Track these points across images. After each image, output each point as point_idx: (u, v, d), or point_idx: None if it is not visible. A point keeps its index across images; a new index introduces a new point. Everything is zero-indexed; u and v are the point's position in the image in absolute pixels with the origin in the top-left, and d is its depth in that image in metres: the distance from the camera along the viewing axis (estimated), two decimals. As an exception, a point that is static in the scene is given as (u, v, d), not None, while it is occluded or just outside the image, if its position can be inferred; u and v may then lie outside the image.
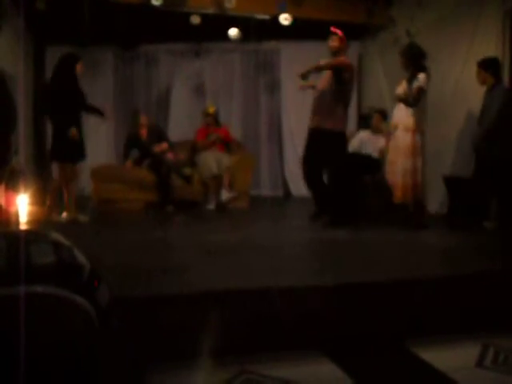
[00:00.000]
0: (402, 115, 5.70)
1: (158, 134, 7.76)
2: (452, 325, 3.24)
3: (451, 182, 6.42)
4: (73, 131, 5.72)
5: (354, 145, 7.17)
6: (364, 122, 8.24)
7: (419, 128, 5.64)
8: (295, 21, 7.61)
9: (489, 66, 5.96)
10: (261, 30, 7.99)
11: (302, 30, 8.09)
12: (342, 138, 6.02)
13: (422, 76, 5.59)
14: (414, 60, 5.68)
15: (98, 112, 6.22)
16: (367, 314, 3.15)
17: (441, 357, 2.88)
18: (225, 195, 7.22)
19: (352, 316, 3.13)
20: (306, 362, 2.82)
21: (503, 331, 3.21)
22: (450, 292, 3.36)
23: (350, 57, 9.05)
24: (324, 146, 5.82)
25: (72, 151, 5.89)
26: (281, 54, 9.31)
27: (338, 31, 6.24)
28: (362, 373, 2.71)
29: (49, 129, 6.48)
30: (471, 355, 2.91)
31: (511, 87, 6.12)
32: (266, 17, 7.75)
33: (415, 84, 5.58)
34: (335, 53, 6.14)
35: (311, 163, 5.96)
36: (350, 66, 6.03)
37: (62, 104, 5.81)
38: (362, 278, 3.44)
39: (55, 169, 6.67)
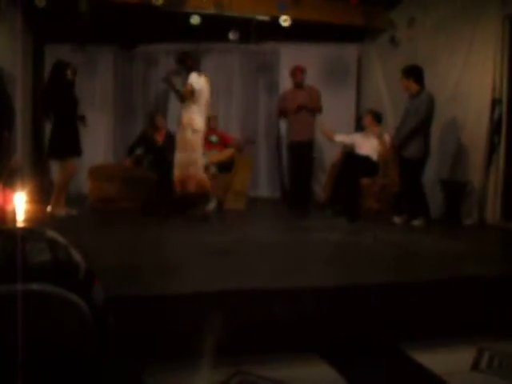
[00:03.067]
0: (182, 112, 6.12)
1: (172, 139, 7.68)
2: (447, 328, 3.24)
3: (447, 186, 6.44)
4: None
5: (345, 140, 7.23)
6: (359, 124, 8.28)
7: (194, 125, 6.03)
8: (294, 22, 7.61)
9: (411, 74, 6.17)
10: (260, 31, 8.00)
11: (301, 32, 8.09)
12: None
13: (192, 76, 6.02)
14: (184, 61, 6.23)
15: (82, 120, 6.45)
16: (363, 316, 3.15)
17: (436, 360, 2.88)
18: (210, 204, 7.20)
19: (348, 318, 3.13)
20: (301, 363, 2.82)
21: (498, 335, 3.21)
22: (445, 295, 3.36)
23: (349, 58, 9.15)
24: None
25: (68, 147, 6.20)
26: (280, 56, 9.29)
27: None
28: (356, 375, 2.71)
29: (47, 128, 6.52)
30: (466, 359, 2.91)
31: (511, 92, 6.15)
32: (266, 18, 7.75)
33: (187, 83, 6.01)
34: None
35: None
36: None
37: (57, 108, 6.19)
38: (358, 279, 3.44)
39: (54, 167, 6.80)
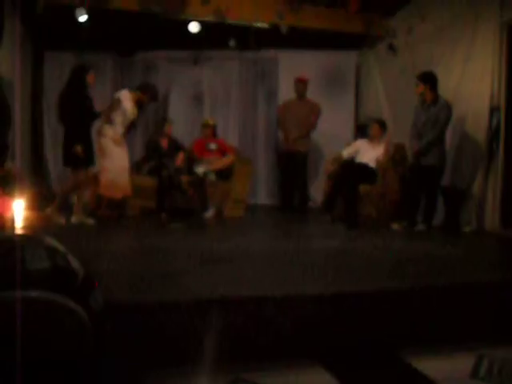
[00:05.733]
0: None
1: (176, 144, 7.71)
2: (447, 335, 3.24)
3: (447, 193, 6.44)
4: (77, 148, 5.96)
5: (349, 151, 7.22)
6: (362, 131, 8.27)
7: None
8: (293, 30, 7.64)
9: (428, 81, 6.21)
10: (259, 39, 8.03)
11: (299, 39, 8.12)
12: None
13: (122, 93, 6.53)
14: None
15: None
16: (362, 323, 3.15)
17: (435, 367, 2.88)
18: (208, 213, 7.23)
19: (346, 325, 3.13)
20: (301, 370, 2.81)
21: (498, 342, 3.21)
22: (444, 302, 3.36)
23: (348, 66, 9.17)
24: None
25: (82, 157, 6.08)
26: (279, 63, 9.31)
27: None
28: (355, 382, 2.70)
29: (46, 134, 6.50)
30: (466, 366, 2.91)
31: (510, 99, 6.15)
32: (265, 25, 7.78)
33: None
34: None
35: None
36: None
37: (73, 113, 6.05)
38: (358, 286, 3.44)
39: (53, 172, 6.78)
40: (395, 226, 6.31)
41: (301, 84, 7.74)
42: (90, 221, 6.20)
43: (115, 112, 6.44)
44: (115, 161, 6.40)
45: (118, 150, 6.45)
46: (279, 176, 8.48)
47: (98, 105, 8.56)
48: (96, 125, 6.52)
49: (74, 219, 6.18)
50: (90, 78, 6.18)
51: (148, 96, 6.77)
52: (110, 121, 6.44)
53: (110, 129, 6.41)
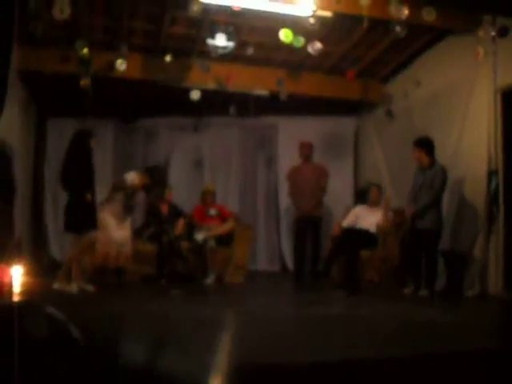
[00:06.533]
0: None
1: (175, 210, 7.72)
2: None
3: (448, 257, 6.41)
4: (87, 196, 5.93)
5: (348, 221, 7.21)
6: (361, 196, 8.30)
7: None
8: (293, 97, 7.78)
9: (423, 146, 6.30)
10: (259, 106, 8.17)
11: (299, 106, 8.27)
12: None
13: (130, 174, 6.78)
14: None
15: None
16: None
17: None
18: (209, 278, 7.18)
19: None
20: None
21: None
22: (448, 369, 3.29)
23: (347, 131, 9.31)
24: None
25: (86, 220, 5.99)
26: (278, 129, 9.43)
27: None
28: None
29: (48, 200, 6.50)
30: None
31: (507, 162, 6.21)
32: (265, 93, 7.93)
33: None
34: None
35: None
36: None
37: (76, 179, 5.98)
38: (359, 354, 3.37)
39: (53, 239, 6.73)
40: (407, 291, 6.27)
41: (306, 147, 7.79)
42: (90, 287, 6.05)
43: (118, 192, 6.67)
44: (111, 233, 6.53)
45: (115, 224, 6.58)
46: (294, 242, 8.36)
47: (98, 171, 8.68)
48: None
49: (73, 287, 5.95)
50: (93, 143, 6.18)
51: (155, 180, 7.07)
52: (111, 198, 6.67)
53: (109, 205, 6.59)
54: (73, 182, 6.02)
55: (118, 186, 6.76)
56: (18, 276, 4.90)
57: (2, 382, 1.47)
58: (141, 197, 7.40)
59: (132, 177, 6.77)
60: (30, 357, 1.48)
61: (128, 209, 6.74)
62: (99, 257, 6.49)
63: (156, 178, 7.16)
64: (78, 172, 5.99)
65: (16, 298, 4.61)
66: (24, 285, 4.94)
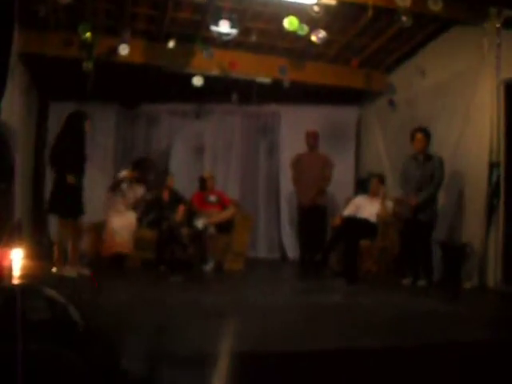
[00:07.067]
0: None
1: (176, 196, 7.73)
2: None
3: (446, 248, 6.42)
4: (70, 178, 5.81)
5: (350, 209, 7.21)
6: (362, 186, 8.30)
7: None
8: (295, 84, 7.76)
9: (428, 134, 6.37)
10: (261, 93, 8.14)
11: (301, 94, 8.24)
12: None
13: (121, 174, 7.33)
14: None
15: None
16: (360, 380, 3.08)
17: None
18: (209, 265, 7.19)
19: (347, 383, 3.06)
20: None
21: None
22: (445, 359, 3.30)
23: (349, 120, 9.29)
24: None
25: (71, 206, 5.94)
26: (280, 117, 9.42)
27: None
28: None
29: (48, 181, 6.47)
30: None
31: (509, 154, 6.20)
32: (267, 80, 7.91)
33: None
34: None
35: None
36: None
37: (65, 161, 5.90)
38: (357, 342, 3.38)
39: (53, 222, 6.76)
40: (405, 282, 6.29)
41: (312, 137, 7.83)
42: (86, 271, 6.02)
43: (117, 187, 7.19)
44: (114, 223, 6.99)
45: (117, 215, 7.08)
46: (297, 230, 8.40)
47: (100, 156, 8.68)
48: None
49: (71, 271, 5.93)
50: (87, 125, 6.10)
51: (145, 172, 7.42)
52: (112, 192, 7.23)
53: (111, 199, 7.19)
54: (60, 163, 5.93)
55: (115, 183, 7.28)
56: (18, 259, 4.91)
57: (3, 365, 1.48)
58: (142, 190, 7.53)
59: (122, 173, 7.31)
60: (30, 339, 1.49)
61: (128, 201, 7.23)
62: (104, 244, 6.85)
63: (145, 169, 7.45)
64: (66, 154, 5.89)
65: (16, 281, 4.63)
66: (24, 268, 4.96)
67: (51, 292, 1.81)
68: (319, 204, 7.74)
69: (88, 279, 5.83)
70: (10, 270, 4.79)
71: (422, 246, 6.31)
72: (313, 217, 7.75)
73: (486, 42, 6.07)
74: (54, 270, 5.94)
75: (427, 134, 6.34)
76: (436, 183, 6.22)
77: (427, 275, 6.22)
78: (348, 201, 7.63)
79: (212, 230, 7.41)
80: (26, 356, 1.44)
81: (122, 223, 6.96)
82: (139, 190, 7.37)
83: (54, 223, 8.57)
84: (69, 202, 5.90)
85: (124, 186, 7.16)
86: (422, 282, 6.17)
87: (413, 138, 6.40)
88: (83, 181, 6.10)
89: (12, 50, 4.99)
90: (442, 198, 6.53)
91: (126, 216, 7.08)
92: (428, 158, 6.30)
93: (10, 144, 5.97)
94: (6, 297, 1.68)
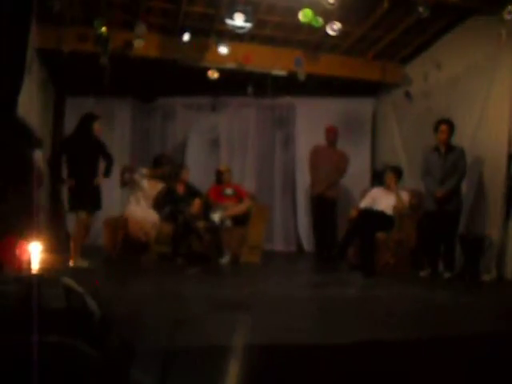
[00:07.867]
0: None
1: (191, 190, 7.76)
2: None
3: (465, 240, 6.37)
4: (97, 180, 6.30)
5: (366, 201, 7.18)
6: (378, 178, 8.27)
7: None
8: (310, 77, 7.73)
9: (452, 125, 6.30)
10: (276, 86, 8.13)
11: (316, 86, 8.21)
12: None
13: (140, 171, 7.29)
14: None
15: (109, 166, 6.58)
16: (379, 373, 3.07)
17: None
18: (225, 258, 7.21)
19: (364, 376, 3.05)
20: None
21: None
22: (464, 352, 3.28)
23: (365, 112, 9.25)
24: None
25: (90, 201, 6.26)
26: (296, 110, 9.41)
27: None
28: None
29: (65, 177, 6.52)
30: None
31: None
32: (283, 73, 7.89)
33: None
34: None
35: None
36: None
37: (81, 157, 6.22)
38: (376, 335, 3.37)
39: (70, 217, 6.84)
40: (423, 274, 6.29)
41: (332, 132, 7.87)
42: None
43: (135, 189, 7.23)
44: (136, 216, 7.06)
45: (139, 209, 7.18)
46: (312, 223, 8.41)
47: (117, 150, 8.71)
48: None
49: (71, 263, 6.12)
50: (97, 126, 6.32)
51: (165, 169, 7.48)
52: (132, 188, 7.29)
53: (133, 194, 7.25)
54: (73, 159, 6.25)
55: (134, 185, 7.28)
56: (36, 253, 4.96)
57: (20, 355, 1.49)
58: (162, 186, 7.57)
59: (143, 171, 7.33)
60: (47, 329, 1.50)
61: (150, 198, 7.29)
62: (129, 236, 6.98)
63: (165, 166, 7.54)
64: (77, 155, 6.22)
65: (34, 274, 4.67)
66: (42, 262, 5.00)
67: (69, 281, 1.83)
68: (328, 196, 7.79)
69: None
70: (29, 263, 4.84)
71: (447, 238, 6.29)
72: (322, 208, 7.84)
73: (503, 31, 5.99)
74: (70, 263, 6.07)
75: (451, 126, 6.29)
76: (460, 174, 6.20)
77: (451, 266, 6.19)
78: (364, 193, 7.60)
79: (228, 222, 7.42)
80: (42, 347, 1.46)
81: (145, 216, 7.06)
82: (160, 187, 7.39)
83: (71, 218, 8.66)
84: (86, 197, 6.21)
85: (144, 183, 7.19)
86: (447, 274, 6.14)
87: (437, 129, 6.35)
88: (96, 179, 6.35)
89: (29, 45, 5.04)
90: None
91: (149, 212, 7.15)
92: (450, 148, 6.26)
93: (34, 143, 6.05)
94: (25, 285, 1.70)
